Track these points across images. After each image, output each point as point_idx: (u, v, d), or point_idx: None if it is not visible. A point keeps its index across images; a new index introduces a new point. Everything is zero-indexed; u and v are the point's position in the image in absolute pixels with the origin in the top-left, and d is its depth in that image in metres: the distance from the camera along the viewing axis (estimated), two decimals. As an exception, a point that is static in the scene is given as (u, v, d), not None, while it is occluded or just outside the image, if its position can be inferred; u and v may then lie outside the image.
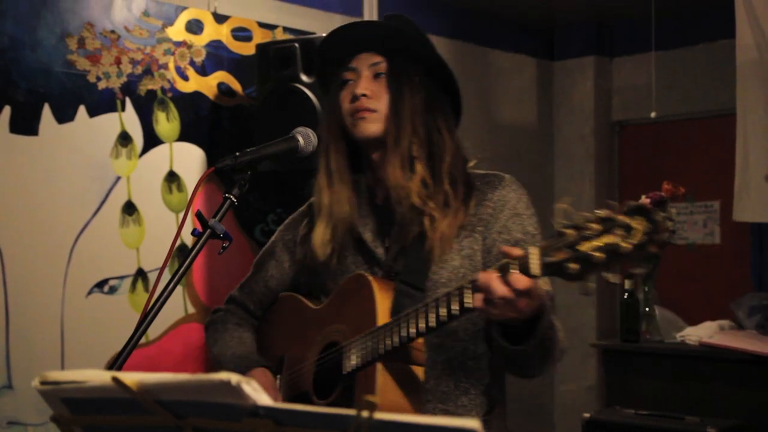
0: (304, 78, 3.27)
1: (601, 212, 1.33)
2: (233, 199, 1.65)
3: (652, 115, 4.29)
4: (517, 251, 1.44)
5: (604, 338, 4.79)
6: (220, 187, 3.53)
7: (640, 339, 3.89)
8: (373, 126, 1.77)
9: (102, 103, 3.28)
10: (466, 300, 1.50)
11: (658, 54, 4.58)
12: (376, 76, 1.80)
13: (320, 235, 1.83)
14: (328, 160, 1.84)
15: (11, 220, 3.05)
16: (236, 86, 3.66)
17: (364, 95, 1.77)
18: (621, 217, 1.30)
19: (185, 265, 1.57)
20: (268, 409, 0.90)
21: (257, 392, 0.90)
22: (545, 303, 1.54)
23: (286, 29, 3.82)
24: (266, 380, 1.85)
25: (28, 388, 3.04)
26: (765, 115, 3.84)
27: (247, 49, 3.68)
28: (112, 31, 3.31)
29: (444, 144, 1.80)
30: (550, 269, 1.38)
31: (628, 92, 5.21)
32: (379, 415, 0.86)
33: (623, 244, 1.28)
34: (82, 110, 3.23)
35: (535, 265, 1.39)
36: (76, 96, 3.21)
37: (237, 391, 0.89)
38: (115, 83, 3.31)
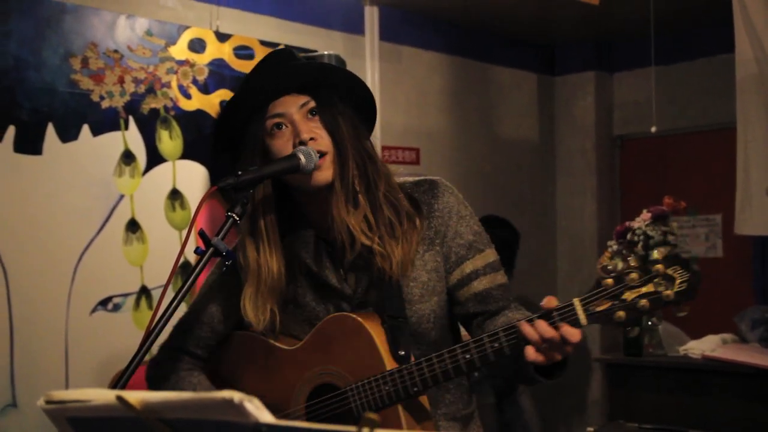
0: (305, 96, 3.29)
1: (638, 262, 1.48)
2: (235, 217, 1.65)
3: (653, 129, 4.31)
4: (554, 301, 1.54)
5: (607, 352, 4.79)
6: (223, 204, 3.54)
7: (642, 353, 3.89)
8: (328, 173, 1.70)
9: (105, 122, 3.30)
10: (506, 347, 1.58)
11: (658, 69, 4.61)
12: (309, 116, 1.72)
13: (251, 303, 1.77)
14: (255, 220, 1.75)
15: (16, 238, 3.07)
16: (239, 104, 3.69)
17: (312, 139, 1.69)
18: (660, 267, 1.46)
19: (188, 283, 1.57)
20: (270, 427, 0.91)
21: (259, 410, 0.91)
22: None
23: (287, 47, 3.85)
24: None
25: (33, 406, 3.04)
26: (765, 128, 3.85)
27: (250, 67, 3.67)
28: (116, 51, 3.34)
29: (377, 170, 1.75)
30: (596, 318, 1.51)
31: (628, 107, 5.24)
32: (380, 432, 0.87)
33: (666, 292, 1.46)
34: (85, 129, 3.25)
35: (582, 317, 1.51)
36: (80, 115, 3.23)
37: (240, 408, 0.90)
38: (119, 102, 3.34)
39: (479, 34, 4.97)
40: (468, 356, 1.61)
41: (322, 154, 1.70)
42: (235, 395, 0.90)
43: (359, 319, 1.71)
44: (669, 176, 5.06)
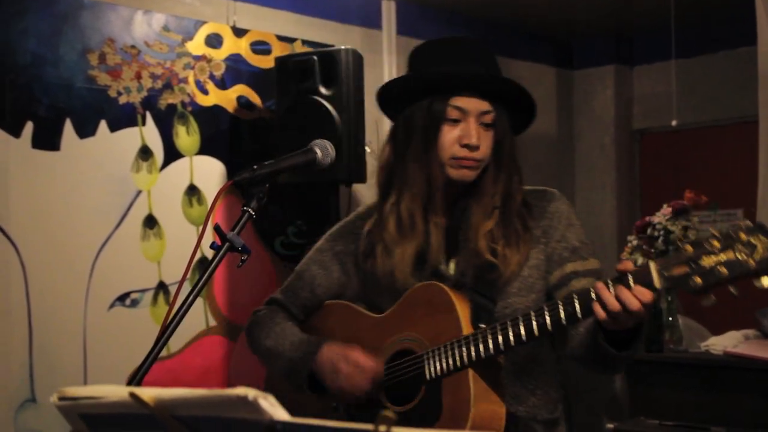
0: (323, 90, 3.28)
1: (720, 230, 1.46)
2: (251, 212, 1.65)
3: (673, 123, 4.27)
4: (630, 265, 1.55)
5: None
6: (241, 199, 3.54)
7: (663, 349, 3.85)
8: (473, 173, 1.82)
9: (123, 118, 3.30)
10: (578, 309, 1.59)
11: (679, 62, 4.56)
12: (484, 125, 1.82)
13: (402, 260, 1.86)
14: (400, 203, 1.86)
15: (33, 234, 3.08)
16: (256, 99, 3.68)
17: (477, 147, 1.80)
18: (742, 235, 1.43)
19: (204, 279, 1.57)
20: (285, 424, 0.90)
21: (274, 407, 0.90)
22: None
23: (304, 42, 3.84)
24: (357, 352, 1.84)
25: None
26: (788, 122, 3.79)
27: (267, 62, 3.69)
28: (133, 46, 3.33)
29: (519, 187, 1.86)
30: (671, 282, 1.51)
31: (648, 100, 5.19)
32: (397, 430, 0.85)
33: (749, 261, 1.43)
34: (103, 125, 3.26)
35: (656, 279, 1.52)
36: (97, 111, 3.24)
37: (254, 406, 0.89)
38: (136, 98, 3.33)
39: (497, 28, 4.94)
40: (541, 320, 1.64)
41: (478, 161, 1.81)
42: (250, 392, 0.89)
43: (445, 288, 1.78)
44: (689, 171, 5.01)
